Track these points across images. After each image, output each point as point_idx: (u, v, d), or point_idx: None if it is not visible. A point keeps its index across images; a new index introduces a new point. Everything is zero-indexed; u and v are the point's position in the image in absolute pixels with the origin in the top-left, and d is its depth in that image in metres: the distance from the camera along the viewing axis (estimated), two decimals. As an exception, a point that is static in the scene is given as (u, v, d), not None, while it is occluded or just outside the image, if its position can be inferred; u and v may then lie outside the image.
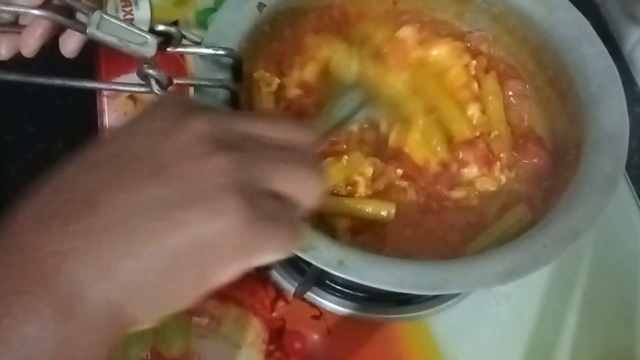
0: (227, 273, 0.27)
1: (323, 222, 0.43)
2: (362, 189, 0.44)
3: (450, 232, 0.45)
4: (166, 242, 0.26)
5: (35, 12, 0.39)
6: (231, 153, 0.27)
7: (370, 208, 0.44)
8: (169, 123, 0.28)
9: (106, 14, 0.39)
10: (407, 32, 0.52)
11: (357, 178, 0.45)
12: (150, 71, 0.40)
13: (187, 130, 0.28)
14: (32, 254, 0.25)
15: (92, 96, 0.57)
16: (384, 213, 0.44)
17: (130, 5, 0.61)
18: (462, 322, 0.51)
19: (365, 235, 0.44)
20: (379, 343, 0.49)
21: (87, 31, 0.39)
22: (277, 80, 0.48)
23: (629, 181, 0.58)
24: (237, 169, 0.27)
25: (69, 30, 0.44)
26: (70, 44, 0.44)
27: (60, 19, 0.40)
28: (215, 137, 0.28)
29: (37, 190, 0.27)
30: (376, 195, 0.45)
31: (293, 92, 0.49)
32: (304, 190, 0.29)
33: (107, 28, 0.39)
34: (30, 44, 0.43)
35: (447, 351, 0.49)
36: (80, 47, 0.45)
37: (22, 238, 0.26)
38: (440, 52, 0.51)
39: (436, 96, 0.49)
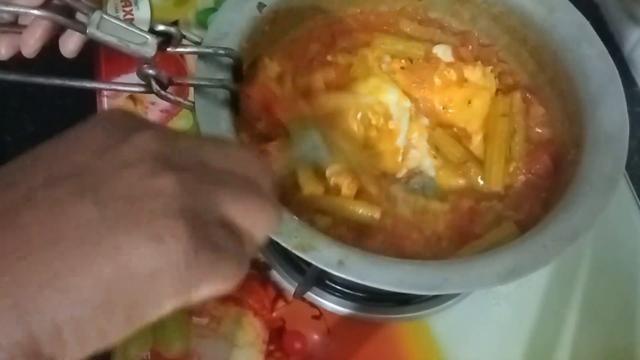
0: (164, 310, 0.24)
1: (300, 215, 0.42)
2: (345, 190, 0.44)
3: (439, 239, 0.45)
4: (91, 273, 0.22)
5: (35, 12, 0.39)
6: (178, 174, 0.24)
7: (361, 209, 0.44)
8: (113, 137, 0.25)
9: (106, 14, 0.39)
10: (443, 51, 0.51)
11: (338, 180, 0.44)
12: (150, 71, 0.40)
13: (131, 146, 0.25)
14: None
15: (92, 96, 0.57)
16: (375, 215, 0.44)
17: (130, 5, 0.61)
18: (462, 322, 0.51)
19: (345, 235, 0.44)
20: (379, 343, 0.49)
21: (87, 31, 0.39)
22: (277, 69, 0.48)
23: (629, 181, 0.58)
24: (183, 192, 0.24)
25: (69, 31, 0.44)
26: (70, 44, 0.44)
27: (61, 19, 0.40)
28: (162, 155, 0.25)
29: None
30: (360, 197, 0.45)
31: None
32: (255, 220, 0.26)
33: (107, 28, 0.39)
34: (30, 44, 0.43)
35: (447, 351, 0.49)
36: (80, 47, 0.45)
37: None
38: (472, 76, 0.50)
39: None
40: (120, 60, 0.41)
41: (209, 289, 0.24)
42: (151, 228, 0.23)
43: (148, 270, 0.23)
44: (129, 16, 0.61)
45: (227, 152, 0.28)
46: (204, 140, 0.28)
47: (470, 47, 0.53)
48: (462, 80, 0.49)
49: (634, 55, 0.68)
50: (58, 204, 0.23)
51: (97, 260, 0.22)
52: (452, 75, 0.49)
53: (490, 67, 0.50)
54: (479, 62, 0.50)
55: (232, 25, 0.46)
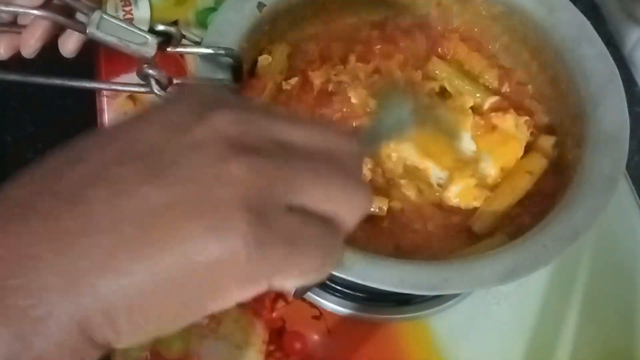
0: (226, 302, 0.23)
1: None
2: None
3: (438, 239, 0.45)
4: (150, 259, 0.21)
5: (35, 12, 0.39)
6: (254, 159, 0.23)
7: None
8: (186, 117, 0.24)
9: (106, 13, 0.39)
10: (490, 101, 0.50)
11: None
12: (150, 71, 0.40)
13: (205, 127, 0.23)
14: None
15: (92, 96, 0.57)
16: (384, 207, 0.44)
17: (130, 4, 0.61)
18: (462, 322, 0.51)
19: None
20: (379, 343, 0.49)
21: (87, 31, 0.39)
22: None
23: (629, 181, 0.58)
24: (254, 180, 0.23)
25: (68, 31, 0.44)
26: (69, 44, 0.44)
27: (60, 19, 0.40)
28: (237, 137, 0.23)
29: (20, 177, 0.23)
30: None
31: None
32: (341, 204, 0.25)
33: (107, 28, 0.39)
34: (30, 44, 0.43)
35: (447, 351, 0.49)
36: (79, 47, 0.45)
37: None
38: (502, 123, 0.48)
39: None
40: (120, 60, 0.41)
41: (288, 281, 0.24)
42: (215, 218, 0.22)
43: (208, 262, 0.22)
44: (128, 16, 0.61)
45: (310, 128, 0.26)
46: (284, 115, 0.26)
47: (507, 85, 0.51)
48: (491, 128, 0.48)
49: (634, 55, 0.67)
50: (126, 184, 0.22)
51: (158, 246, 0.22)
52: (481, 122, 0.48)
53: (525, 119, 0.48)
54: (511, 111, 0.48)
55: (232, 25, 0.46)
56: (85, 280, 0.21)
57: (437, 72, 0.50)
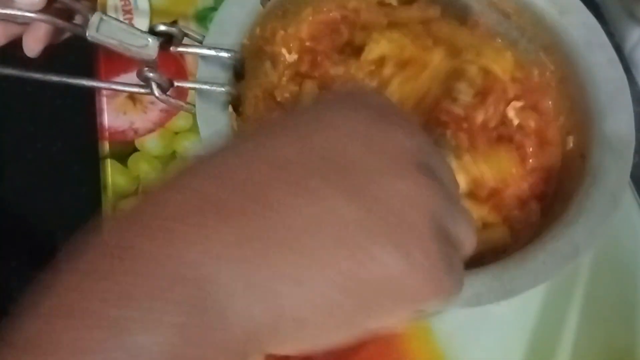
0: (387, 321, 0.24)
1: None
2: None
3: None
4: (341, 274, 0.21)
5: (34, 15, 0.39)
6: (432, 180, 0.23)
7: None
8: (371, 129, 0.23)
9: (106, 15, 0.39)
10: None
11: None
12: (151, 74, 0.40)
13: (394, 143, 0.23)
14: (171, 255, 0.20)
15: (91, 96, 0.57)
16: None
17: (130, 4, 0.61)
18: (462, 322, 0.51)
19: None
20: (379, 343, 0.49)
21: (87, 34, 0.39)
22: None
23: (629, 181, 0.58)
24: (436, 201, 0.23)
25: (32, 28, 0.42)
26: (31, 43, 0.43)
27: (59, 22, 0.40)
28: (421, 156, 0.23)
29: (182, 175, 0.22)
30: None
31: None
32: (468, 236, 0.25)
33: (107, 30, 0.39)
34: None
35: (448, 351, 0.49)
36: (43, 45, 0.43)
37: (169, 226, 0.21)
38: None
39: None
40: (120, 59, 0.41)
41: (434, 303, 0.24)
42: (407, 241, 0.22)
43: (388, 279, 0.22)
44: (128, 15, 0.61)
45: (442, 157, 0.26)
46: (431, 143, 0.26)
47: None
48: None
49: (634, 55, 0.67)
50: (325, 198, 0.22)
51: (349, 264, 0.21)
52: None
53: None
54: None
55: (235, 21, 0.45)
56: (268, 287, 0.21)
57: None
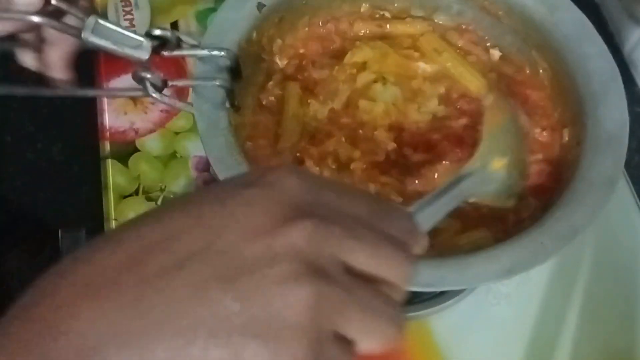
0: None
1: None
2: None
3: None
4: None
5: (33, 18, 0.39)
6: (321, 286, 0.23)
7: None
8: (270, 221, 0.23)
9: (101, 18, 0.40)
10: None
11: None
12: (145, 74, 0.41)
13: (285, 239, 0.23)
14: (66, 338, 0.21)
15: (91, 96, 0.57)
16: None
17: (130, 5, 0.62)
18: (462, 322, 0.51)
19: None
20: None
21: (82, 36, 0.40)
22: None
23: (629, 181, 0.58)
24: (320, 307, 0.22)
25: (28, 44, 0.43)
26: (28, 59, 0.44)
27: (56, 24, 0.40)
28: (311, 261, 0.23)
29: (103, 244, 0.23)
30: None
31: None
32: (369, 335, 0.25)
33: (102, 33, 0.40)
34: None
35: (447, 351, 0.49)
36: (37, 60, 0.44)
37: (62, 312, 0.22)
38: None
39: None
40: (120, 61, 0.41)
41: None
42: (278, 344, 0.22)
43: None
44: (129, 16, 0.61)
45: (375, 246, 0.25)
46: (365, 220, 0.25)
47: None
48: None
49: (634, 55, 0.67)
50: (198, 288, 0.22)
51: (215, 351, 0.21)
52: None
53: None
54: None
55: (232, 25, 0.46)
56: None
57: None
